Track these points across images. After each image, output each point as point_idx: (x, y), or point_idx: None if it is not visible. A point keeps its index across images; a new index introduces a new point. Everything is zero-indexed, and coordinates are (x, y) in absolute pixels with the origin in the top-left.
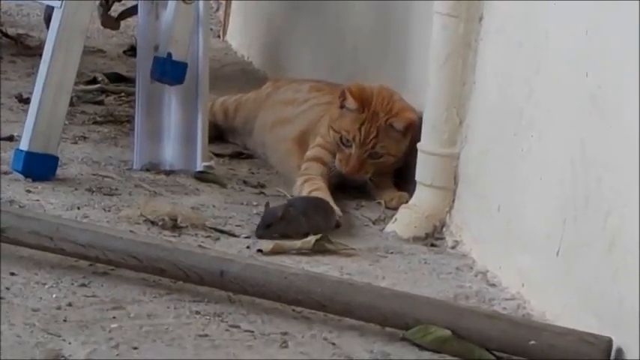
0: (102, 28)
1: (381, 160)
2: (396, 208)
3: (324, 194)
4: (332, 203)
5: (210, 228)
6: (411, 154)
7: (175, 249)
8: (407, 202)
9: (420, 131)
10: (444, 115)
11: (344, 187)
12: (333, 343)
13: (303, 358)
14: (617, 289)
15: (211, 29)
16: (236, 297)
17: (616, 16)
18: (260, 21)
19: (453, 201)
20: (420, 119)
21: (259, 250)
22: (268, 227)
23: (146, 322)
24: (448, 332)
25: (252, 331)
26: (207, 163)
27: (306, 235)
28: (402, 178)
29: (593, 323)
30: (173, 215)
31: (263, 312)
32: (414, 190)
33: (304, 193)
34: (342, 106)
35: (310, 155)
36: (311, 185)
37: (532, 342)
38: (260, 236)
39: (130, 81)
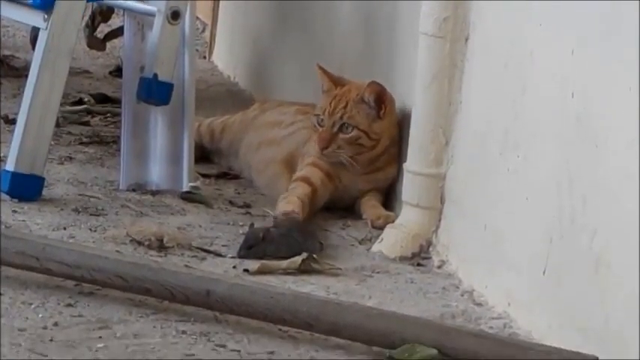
0: (88, 49)
1: (351, 134)
2: (382, 228)
3: (292, 207)
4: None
5: (197, 248)
6: (399, 157)
7: (161, 269)
8: (393, 221)
9: (406, 125)
10: (431, 135)
11: (332, 206)
12: None
13: None
14: (603, 308)
15: (197, 50)
16: (222, 316)
17: (602, 36)
18: (246, 42)
19: (440, 221)
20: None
21: (245, 270)
22: (250, 248)
23: (132, 341)
24: (434, 351)
25: (239, 351)
26: (193, 184)
27: (287, 257)
28: (389, 198)
29: (579, 342)
30: (159, 235)
31: (249, 331)
32: (400, 210)
33: (278, 210)
34: (322, 92)
35: (299, 175)
36: (283, 202)
37: None
38: (242, 257)
39: (116, 102)
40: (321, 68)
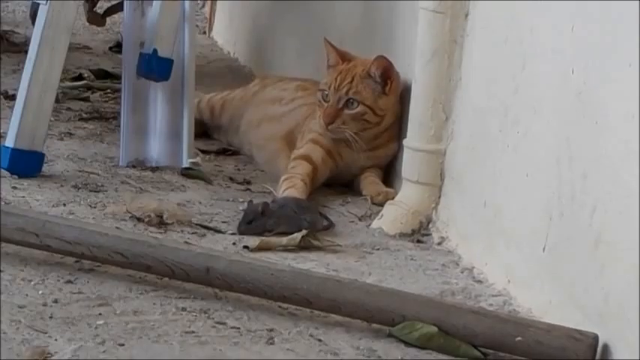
0: (88, 24)
1: (357, 110)
2: (382, 204)
3: (298, 193)
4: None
5: (197, 224)
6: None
7: (161, 245)
8: (393, 198)
9: (406, 101)
10: (430, 112)
11: (332, 182)
12: (320, 340)
13: (290, 354)
14: (603, 285)
15: (197, 26)
16: (222, 293)
17: (602, 12)
18: (246, 17)
19: (439, 197)
20: (397, 72)
21: (245, 247)
22: (249, 223)
23: (132, 318)
24: (434, 329)
25: (239, 328)
26: (193, 160)
27: (287, 231)
28: (389, 174)
29: (579, 319)
30: (159, 212)
31: (249, 308)
32: (400, 186)
33: (280, 192)
34: (328, 66)
35: (299, 153)
36: (287, 184)
37: (518, 338)
38: (242, 232)
39: (115, 77)
40: (328, 42)
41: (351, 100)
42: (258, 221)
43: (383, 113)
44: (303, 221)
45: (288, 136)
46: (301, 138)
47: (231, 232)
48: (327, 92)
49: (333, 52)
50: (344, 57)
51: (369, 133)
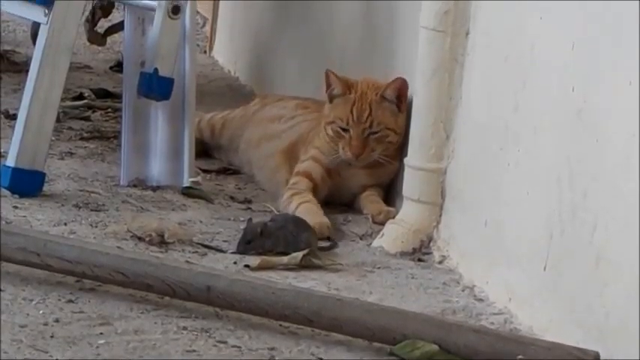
0: (88, 44)
1: (381, 134)
2: (383, 223)
3: (314, 207)
4: (322, 215)
5: (198, 244)
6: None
7: (162, 265)
8: (394, 217)
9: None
10: (431, 130)
11: (333, 201)
12: (321, 358)
13: None
14: (604, 303)
15: (198, 45)
16: (223, 312)
17: (602, 30)
18: (246, 36)
19: (440, 216)
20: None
21: (246, 266)
22: (249, 243)
23: (133, 337)
24: (435, 347)
25: (240, 347)
26: (194, 179)
27: (285, 251)
28: (390, 193)
29: (580, 337)
30: (160, 231)
31: (250, 327)
32: (401, 205)
33: (292, 206)
34: (330, 99)
35: (300, 169)
36: (300, 198)
37: (519, 357)
38: (241, 252)
39: (116, 97)
40: (331, 73)
41: (375, 130)
42: (256, 241)
43: (401, 131)
44: (301, 242)
45: (289, 151)
46: (305, 151)
47: (232, 251)
48: (343, 128)
49: (339, 83)
50: (349, 85)
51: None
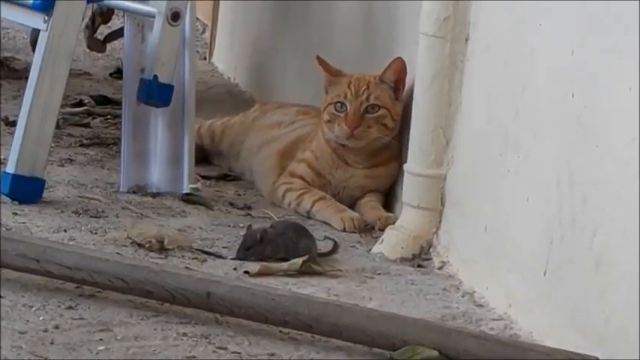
0: (88, 50)
1: (379, 113)
2: (382, 229)
3: (331, 201)
4: (345, 208)
5: (197, 250)
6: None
7: (162, 271)
8: (394, 223)
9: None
10: (431, 136)
11: None
12: None
13: None
14: (604, 308)
15: (197, 51)
16: (223, 319)
17: (602, 35)
18: (246, 43)
19: (440, 222)
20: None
21: (246, 272)
22: (248, 249)
23: (133, 344)
24: (435, 353)
25: (240, 353)
26: (193, 185)
27: (284, 257)
28: (389, 199)
29: (580, 342)
30: (160, 237)
31: (250, 333)
32: (400, 211)
33: (305, 205)
34: (327, 90)
35: (295, 171)
36: (311, 196)
37: None
38: (241, 258)
39: (116, 103)
40: (321, 60)
41: (372, 105)
42: (256, 248)
43: (398, 118)
44: (301, 249)
45: (286, 152)
46: (302, 151)
47: (231, 257)
48: (342, 102)
49: (325, 67)
50: (340, 71)
51: (372, 146)
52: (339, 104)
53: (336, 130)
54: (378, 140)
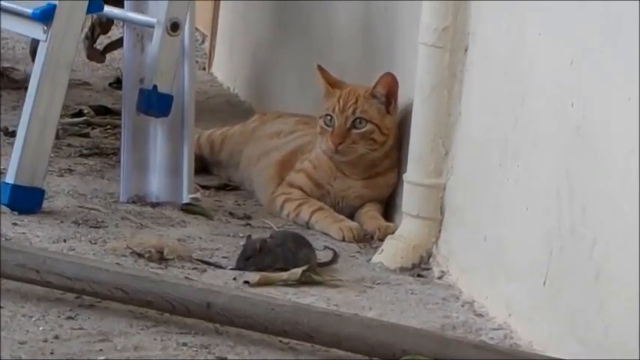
0: (87, 60)
1: (365, 129)
2: (382, 239)
3: (329, 211)
4: (344, 218)
5: (197, 260)
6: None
7: (162, 281)
8: (393, 232)
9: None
10: (430, 146)
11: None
12: None
13: None
14: (604, 318)
15: (197, 61)
16: (223, 329)
17: (601, 46)
18: (245, 53)
19: (440, 231)
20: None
21: (246, 282)
22: (248, 259)
23: (133, 354)
24: None
25: None
26: (193, 195)
27: (284, 267)
28: (389, 208)
29: (580, 352)
30: (160, 247)
31: (250, 343)
32: (400, 220)
33: (304, 216)
34: (326, 95)
35: (293, 182)
36: (310, 206)
37: None
38: (240, 268)
39: (115, 113)
40: (321, 70)
41: (359, 119)
42: (256, 257)
43: (388, 132)
44: (300, 259)
45: (285, 162)
46: (300, 161)
47: (231, 267)
48: (331, 115)
49: (323, 78)
50: (337, 83)
51: (368, 158)
52: (328, 117)
53: (323, 145)
54: (366, 155)
